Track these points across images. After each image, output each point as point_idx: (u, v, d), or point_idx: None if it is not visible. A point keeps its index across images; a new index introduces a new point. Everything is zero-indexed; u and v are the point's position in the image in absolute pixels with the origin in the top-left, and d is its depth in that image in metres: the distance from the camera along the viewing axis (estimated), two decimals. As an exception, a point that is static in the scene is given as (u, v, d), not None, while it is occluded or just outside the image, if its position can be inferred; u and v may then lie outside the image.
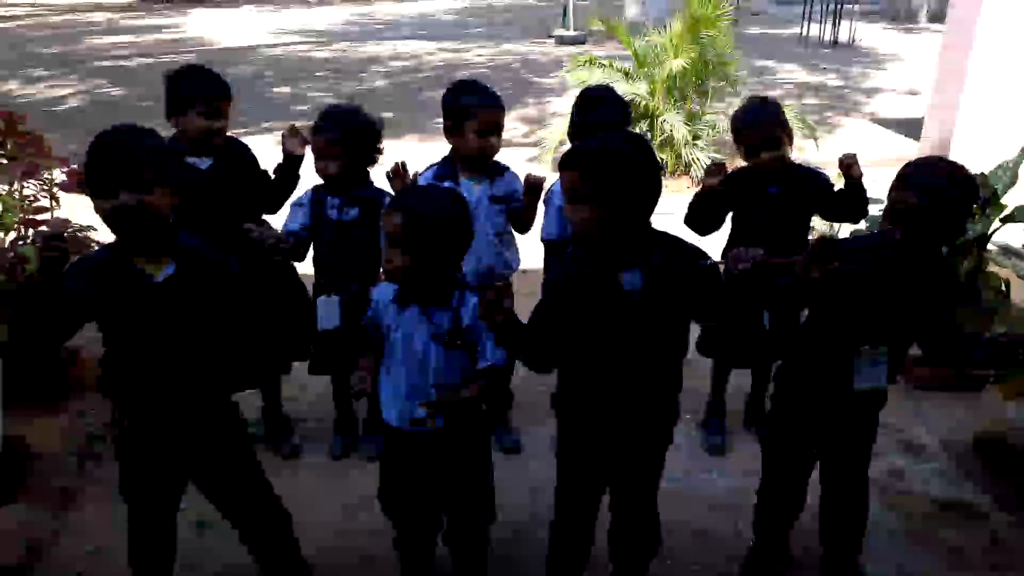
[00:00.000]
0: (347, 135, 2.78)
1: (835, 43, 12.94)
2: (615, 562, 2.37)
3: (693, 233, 2.94)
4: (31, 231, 3.40)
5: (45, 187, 3.50)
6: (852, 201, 2.85)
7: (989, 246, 3.61)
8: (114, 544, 2.49)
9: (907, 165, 2.10)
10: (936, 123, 6.08)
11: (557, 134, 6.57)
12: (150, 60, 11.14)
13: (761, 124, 2.84)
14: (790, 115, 3.27)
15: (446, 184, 2.77)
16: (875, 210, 2.85)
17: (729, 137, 6.88)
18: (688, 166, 6.51)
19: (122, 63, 11.14)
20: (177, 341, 1.96)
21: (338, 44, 13.03)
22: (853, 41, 13.12)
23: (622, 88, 6.06)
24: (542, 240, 3.01)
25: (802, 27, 13.14)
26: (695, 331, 2.66)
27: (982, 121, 5.62)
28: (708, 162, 6.38)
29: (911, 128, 7.20)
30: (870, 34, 13.94)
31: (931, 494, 2.98)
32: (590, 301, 1.93)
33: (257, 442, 3.12)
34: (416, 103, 9.10)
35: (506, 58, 11.98)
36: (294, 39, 13.49)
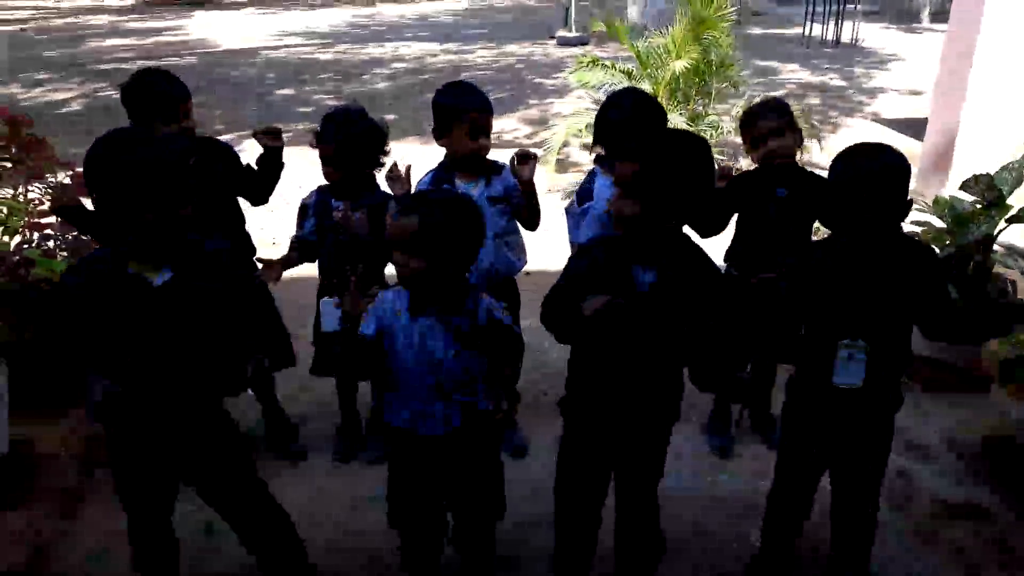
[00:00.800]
0: (349, 140, 2.78)
1: (837, 43, 12.92)
2: (621, 564, 2.37)
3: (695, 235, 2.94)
4: (36, 234, 3.40)
5: (50, 190, 3.50)
6: None
7: (995, 247, 3.61)
8: (119, 548, 2.49)
9: (837, 155, 2.10)
10: (940, 123, 6.07)
11: (561, 136, 6.57)
12: (153, 63, 11.15)
13: (769, 113, 2.85)
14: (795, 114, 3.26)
15: (444, 187, 2.77)
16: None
17: (732, 138, 6.92)
18: (691, 167, 6.49)
19: (124, 66, 11.15)
20: (173, 345, 1.96)
21: (340, 46, 13.03)
22: (856, 41, 13.10)
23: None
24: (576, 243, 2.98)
25: (804, 27, 13.13)
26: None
27: (986, 121, 5.60)
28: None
29: (914, 128, 7.18)
30: (872, 34, 13.92)
31: (938, 495, 2.98)
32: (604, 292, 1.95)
33: (261, 445, 3.15)
34: (418, 105, 9.10)
35: (508, 59, 11.97)
36: (296, 41, 13.50)
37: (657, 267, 1.96)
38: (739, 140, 7.08)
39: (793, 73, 10.91)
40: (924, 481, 3.05)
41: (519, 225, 2.99)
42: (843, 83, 10.38)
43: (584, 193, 2.75)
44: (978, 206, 3.57)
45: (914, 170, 2.34)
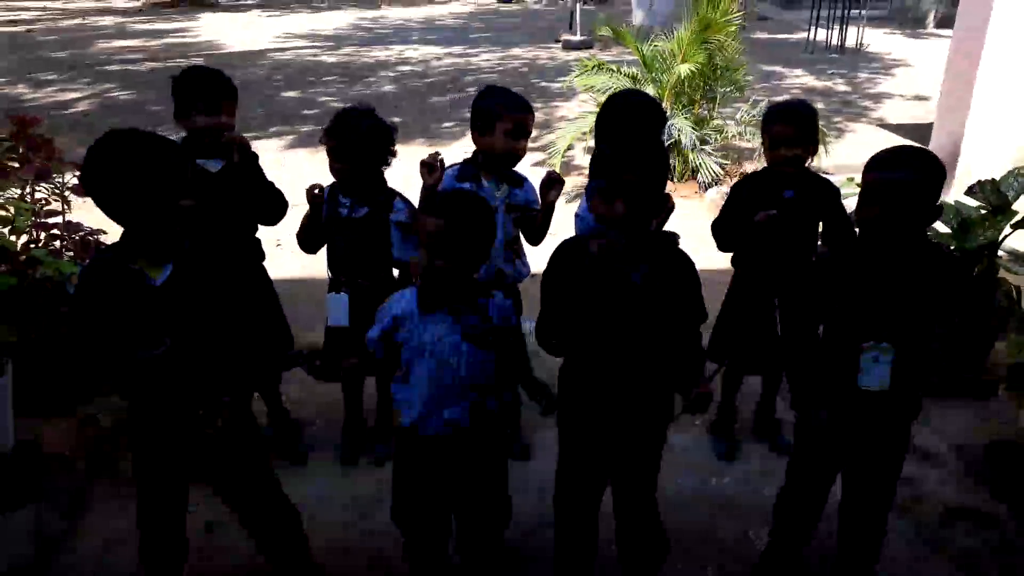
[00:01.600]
0: (357, 139, 2.79)
1: (843, 48, 12.92)
2: (626, 566, 2.37)
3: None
4: (42, 234, 3.41)
5: (56, 190, 3.51)
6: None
7: (1000, 252, 3.61)
8: (125, 545, 2.51)
9: (873, 156, 2.12)
10: (945, 129, 6.06)
11: (565, 139, 6.57)
12: (159, 64, 11.19)
13: (787, 119, 2.84)
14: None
15: (466, 185, 2.79)
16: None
17: (737, 142, 6.92)
18: (695, 171, 6.51)
19: (131, 67, 11.19)
20: (180, 342, 1.97)
21: (346, 48, 13.06)
22: (861, 46, 13.10)
23: (630, 93, 6.06)
24: None
25: (809, 32, 13.13)
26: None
27: (992, 127, 5.60)
28: (716, 168, 6.45)
29: (920, 134, 7.17)
30: (878, 39, 13.92)
31: (943, 500, 2.97)
32: (600, 288, 2.03)
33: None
34: (424, 107, 9.12)
35: (513, 63, 11.99)
36: (302, 43, 13.53)
37: (648, 265, 2.04)
38: (743, 145, 7.11)
39: (798, 78, 10.92)
40: (930, 486, 3.05)
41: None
42: (848, 88, 10.39)
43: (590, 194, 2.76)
44: (983, 212, 3.57)
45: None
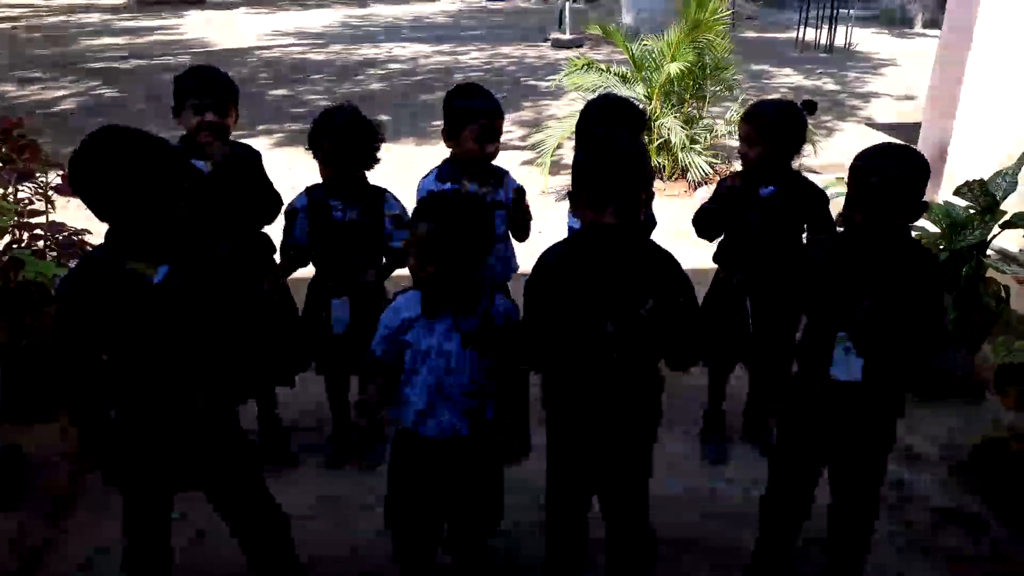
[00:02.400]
0: (343, 140, 2.76)
1: (831, 48, 12.97)
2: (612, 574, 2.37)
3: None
4: (26, 235, 3.37)
5: (40, 191, 3.47)
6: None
7: (988, 252, 3.61)
8: (109, 553, 2.47)
9: (860, 152, 2.14)
10: (934, 129, 6.07)
11: (554, 138, 6.56)
12: (145, 62, 11.11)
13: (749, 117, 2.84)
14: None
15: (448, 186, 2.77)
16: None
17: (726, 141, 6.91)
18: (685, 170, 6.51)
19: (117, 65, 11.10)
20: (176, 343, 1.94)
21: (334, 46, 13.00)
22: (849, 46, 13.15)
23: (619, 92, 6.05)
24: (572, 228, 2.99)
25: (798, 32, 13.17)
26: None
27: (980, 127, 5.60)
28: (705, 166, 6.45)
29: (908, 133, 7.18)
30: (866, 39, 13.97)
31: (931, 503, 2.97)
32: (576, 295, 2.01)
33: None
34: (412, 106, 9.09)
35: (502, 61, 11.97)
36: (289, 41, 13.47)
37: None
38: (733, 144, 7.10)
39: (787, 77, 10.94)
40: (918, 489, 3.04)
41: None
42: (837, 87, 10.42)
43: None
44: (972, 211, 3.58)
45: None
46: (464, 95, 2.84)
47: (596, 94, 5.57)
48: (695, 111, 6.88)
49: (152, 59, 11.22)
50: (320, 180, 2.86)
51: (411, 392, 2.10)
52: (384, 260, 2.93)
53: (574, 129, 6.53)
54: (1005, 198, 3.56)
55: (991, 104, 5.60)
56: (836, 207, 2.57)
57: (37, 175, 3.44)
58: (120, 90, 9.46)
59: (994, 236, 3.57)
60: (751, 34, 14.53)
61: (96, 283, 1.88)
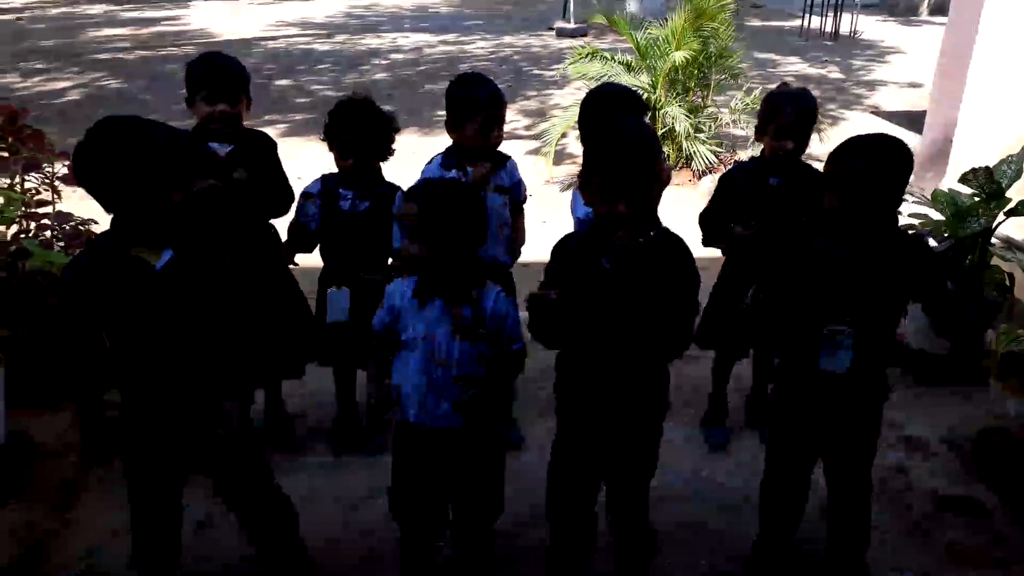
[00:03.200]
0: (360, 131, 2.77)
1: (836, 36, 12.90)
2: (617, 559, 2.38)
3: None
4: (32, 224, 3.39)
5: (46, 180, 3.49)
6: None
7: (993, 240, 3.61)
8: (116, 542, 2.49)
9: (837, 146, 2.13)
10: (939, 116, 6.05)
11: (559, 127, 6.55)
12: (150, 53, 11.10)
13: (784, 108, 2.82)
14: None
15: (452, 174, 2.77)
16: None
17: (731, 130, 6.89)
18: (689, 159, 6.49)
19: (121, 55, 11.10)
20: (181, 330, 1.96)
21: (338, 37, 12.97)
22: (854, 34, 13.08)
23: (624, 80, 6.04)
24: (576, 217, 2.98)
25: (803, 20, 13.10)
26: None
27: (986, 114, 5.59)
28: (710, 155, 6.44)
29: (913, 121, 7.16)
30: (871, 27, 13.89)
31: (933, 490, 2.97)
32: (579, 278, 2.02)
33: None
34: (417, 96, 9.07)
35: (506, 51, 11.93)
36: (294, 31, 13.44)
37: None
38: (738, 133, 7.10)
39: (792, 65, 10.89)
40: (920, 476, 3.05)
41: None
42: (842, 76, 10.37)
43: None
44: (977, 199, 3.57)
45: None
46: (466, 85, 2.83)
47: (600, 83, 5.58)
48: (700, 100, 6.87)
49: (158, 50, 11.20)
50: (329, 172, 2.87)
51: (405, 383, 2.12)
52: (390, 261, 2.93)
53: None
54: (1010, 185, 3.55)
55: (997, 91, 5.58)
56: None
57: (44, 165, 3.45)
58: (125, 81, 9.47)
59: (999, 224, 3.56)
60: (756, 22, 14.45)
61: (100, 269, 1.90)
